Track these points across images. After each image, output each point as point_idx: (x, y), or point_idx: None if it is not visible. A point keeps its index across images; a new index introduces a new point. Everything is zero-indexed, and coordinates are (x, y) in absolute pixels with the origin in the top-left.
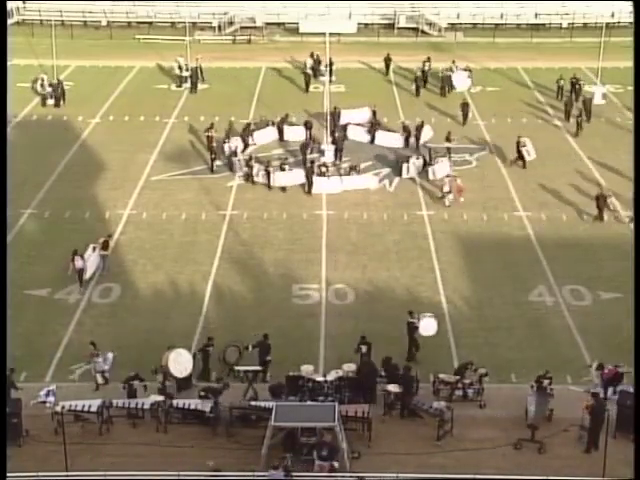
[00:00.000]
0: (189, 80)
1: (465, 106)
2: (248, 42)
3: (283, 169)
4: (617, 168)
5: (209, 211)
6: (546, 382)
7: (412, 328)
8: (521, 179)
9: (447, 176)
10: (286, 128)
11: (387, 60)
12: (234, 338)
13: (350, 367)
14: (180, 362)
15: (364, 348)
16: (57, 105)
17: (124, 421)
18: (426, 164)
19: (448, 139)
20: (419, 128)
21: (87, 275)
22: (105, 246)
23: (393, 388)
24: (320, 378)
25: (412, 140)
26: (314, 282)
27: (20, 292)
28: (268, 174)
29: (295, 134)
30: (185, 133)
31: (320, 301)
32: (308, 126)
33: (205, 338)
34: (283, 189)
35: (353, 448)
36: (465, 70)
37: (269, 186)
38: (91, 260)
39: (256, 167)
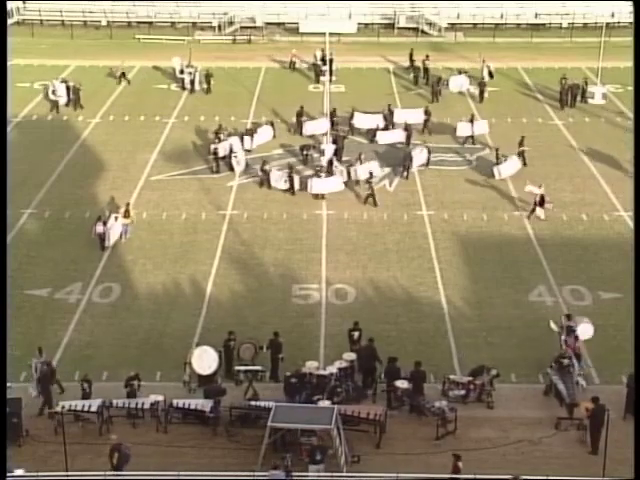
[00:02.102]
0: (195, 82)
1: (482, 85)
2: (248, 42)
3: (319, 176)
4: (617, 168)
5: (209, 211)
6: (566, 361)
7: (569, 332)
8: (521, 179)
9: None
10: (308, 122)
11: (411, 55)
12: (251, 336)
13: (350, 356)
14: (204, 359)
15: (356, 334)
16: (75, 108)
17: (124, 421)
18: (428, 159)
19: (521, 143)
20: (471, 120)
21: (110, 242)
22: (126, 214)
23: (401, 384)
24: (325, 372)
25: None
26: (314, 282)
27: (20, 292)
28: (291, 180)
29: (315, 127)
30: (185, 133)
31: (320, 301)
32: (332, 116)
33: (205, 338)
34: (322, 196)
35: (353, 452)
36: (461, 73)
37: (292, 192)
38: (114, 229)
39: (275, 172)
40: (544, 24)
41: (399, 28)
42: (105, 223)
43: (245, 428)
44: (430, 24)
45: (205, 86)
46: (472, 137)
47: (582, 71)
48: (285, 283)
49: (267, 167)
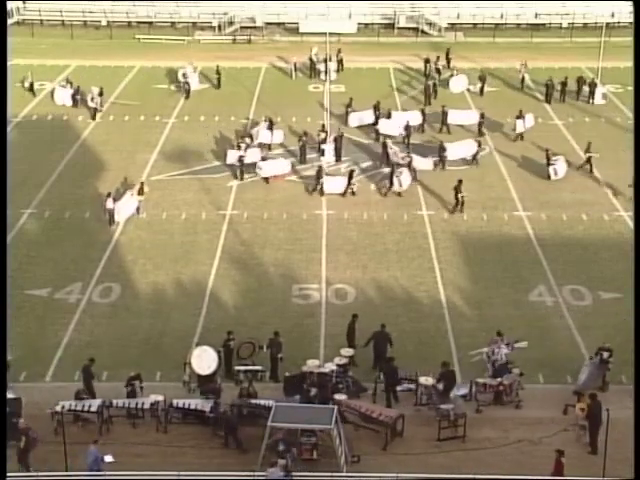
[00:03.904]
0: (194, 83)
1: (482, 78)
2: (248, 42)
3: (398, 175)
4: (617, 168)
5: (209, 211)
6: (606, 354)
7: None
8: (521, 179)
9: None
10: (353, 113)
11: (447, 54)
12: (251, 335)
13: (348, 352)
14: (204, 359)
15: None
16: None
17: (124, 421)
18: (475, 156)
19: (588, 149)
20: (519, 118)
21: (122, 217)
22: (140, 192)
23: (425, 381)
24: (325, 369)
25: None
26: (314, 282)
27: (20, 292)
28: (350, 182)
29: (360, 118)
30: (185, 133)
31: (320, 301)
32: (376, 109)
33: (205, 338)
34: (399, 194)
35: (354, 451)
36: (457, 72)
37: (353, 193)
38: (127, 205)
39: (331, 178)
40: (544, 24)
41: (399, 28)
42: (115, 199)
43: (245, 427)
44: (430, 24)
45: (215, 82)
46: (522, 134)
47: (582, 71)
48: (285, 283)
49: (322, 173)
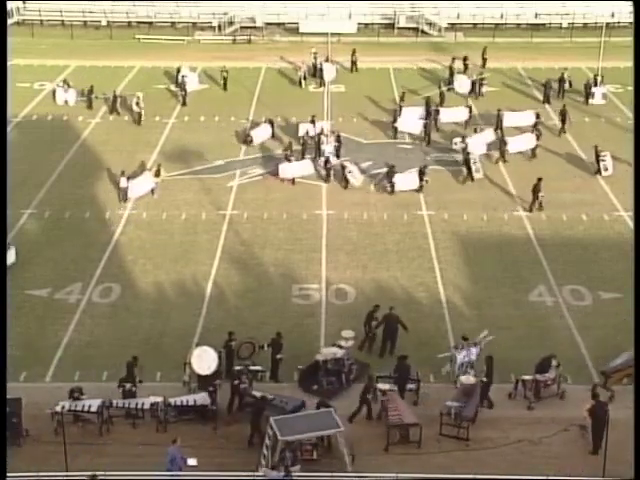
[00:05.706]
0: (191, 85)
1: (481, 79)
2: (248, 42)
3: (474, 163)
4: (617, 168)
5: (209, 211)
6: None
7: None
8: (521, 179)
9: None
10: (405, 110)
11: (483, 53)
12: (251, 335)
13: (349, 334)
14: (204, 359)
15: (378, 315)
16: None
17: (124, 421)
18: (534, 149)
19: None
20: (563, 114)
21: (134, 195)
22: (157, 174)
23: (466, 380)
24: (339, 355)
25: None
26: (314, 282)
27: (20, 292)
28: (422, 179)
29: (414, 114)
30: (185, 133)
31: (320, 301)
32: (428, 106)
33: (205, 338)
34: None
35: (351, 451)
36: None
37: (421, 190)
38: (142, 185)
39: (401, 176)
40: (544, 24)
41: (399, 28)
42: (128, 178)
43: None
44: (430, 24)
45: (221, 83)
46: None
47: (582, 71)
48: (285, 283)
49: (394, 170)
